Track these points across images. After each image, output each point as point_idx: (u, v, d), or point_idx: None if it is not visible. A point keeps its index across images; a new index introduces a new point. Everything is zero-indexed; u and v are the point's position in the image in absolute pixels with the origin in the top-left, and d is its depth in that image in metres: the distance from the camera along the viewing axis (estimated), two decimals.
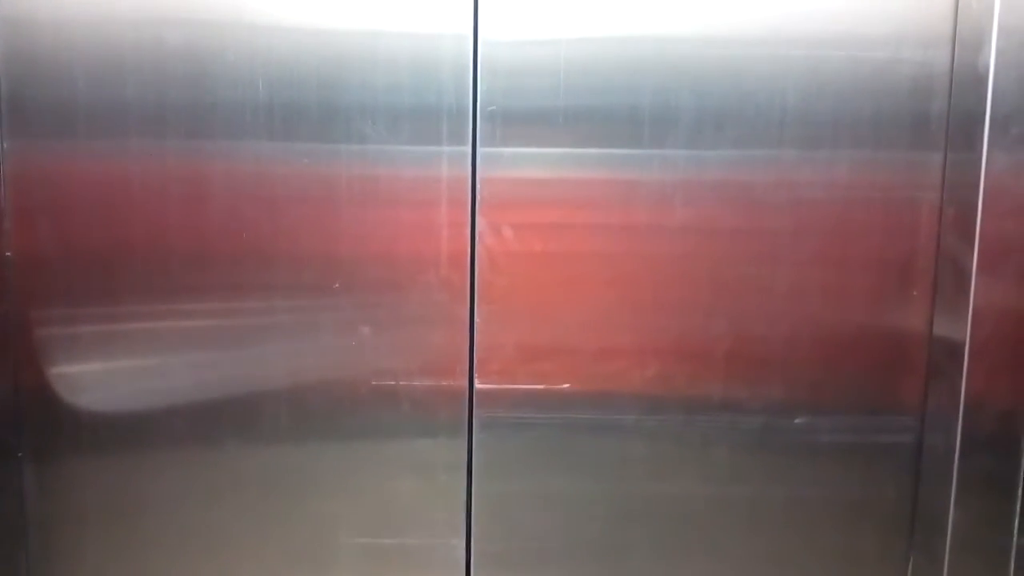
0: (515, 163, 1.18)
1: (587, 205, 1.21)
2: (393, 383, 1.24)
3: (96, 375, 1.25)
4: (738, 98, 1.17)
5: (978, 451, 1.20)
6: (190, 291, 1.22)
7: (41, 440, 1.26)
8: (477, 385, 1.23)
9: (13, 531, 1.27)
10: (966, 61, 1.14)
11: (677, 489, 1.27)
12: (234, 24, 1.15)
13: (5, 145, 1.18)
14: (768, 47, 1.16)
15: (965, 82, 1.14)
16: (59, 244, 1.21)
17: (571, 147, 1.18)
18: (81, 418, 1.25)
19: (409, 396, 1.24)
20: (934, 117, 1.17)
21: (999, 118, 1.11)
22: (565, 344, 1.23)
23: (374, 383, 1.24)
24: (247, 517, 1.28)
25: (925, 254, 1.21)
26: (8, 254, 1.20)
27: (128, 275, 1.21)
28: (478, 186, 1.18)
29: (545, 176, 1.19)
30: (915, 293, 1.22)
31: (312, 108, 1.16)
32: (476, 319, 1.22)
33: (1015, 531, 1.21)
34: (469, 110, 1.16)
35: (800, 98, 1.17)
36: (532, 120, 1.17)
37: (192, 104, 1.16)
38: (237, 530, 1.28)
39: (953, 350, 1.19)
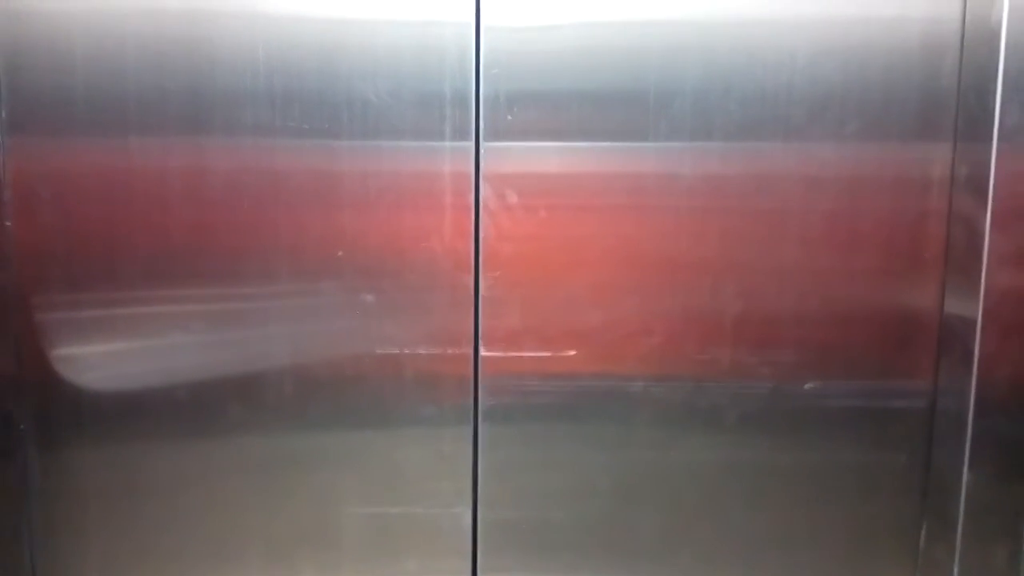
0: (520, 134, 1.17)
1: (591, 176, 1.19)
2: (398, 352, 1.23)
3: (99, 350, 1.24)
4: (745, 64, 1.15)
5: (991, 415, 1.18)
6: (195, 259, 1.21)
7: (45, 415, 1.25)
8: (482, 352, 1.22)
9: (16, 504, 1.27)
10: (978, 14, 1.12)
11: (685, 456, 1.26)
12: (234, 14, 1.14)
13: (5, 142, 1.17)
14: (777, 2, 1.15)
15: (977, 37, 1.12)
16: (60, 225, 1.20)
17: (574, 123, 1.17)
18: (84, 392, 1.25)
19: (414, 365, 1.23)
20: (945, 74, 1.15)
21: (1012, 72, 1.09)
22: (571, 310, 1.22)
23: (379, 352, 1.23)
24: (253, 490, 1.27)
25: (937, 216, 1.19)
26: (8, 224, 1.19)
27: (133, 242, 1.20)
28: (482, 154, 1.17)
29: (549, 145, 1.18)
30: (927, 255, 1.20)
31: (312, 74, 1.15)
32: (481, 286, 1.20)
33: None
34: (472, 86, 1.15)
35: (808, 61, 1.15)
36: (534, 97, 1.16)
37: (192, 89, 1.16)
38: (243, 504, 1.28)
39: (965, 318, 1.17)
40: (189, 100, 1.16)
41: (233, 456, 1.26)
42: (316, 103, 1.16)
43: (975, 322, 1.16)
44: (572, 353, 1.23)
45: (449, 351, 1.23)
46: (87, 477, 1.27)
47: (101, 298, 1.22)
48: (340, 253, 1.20)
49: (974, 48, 1.13)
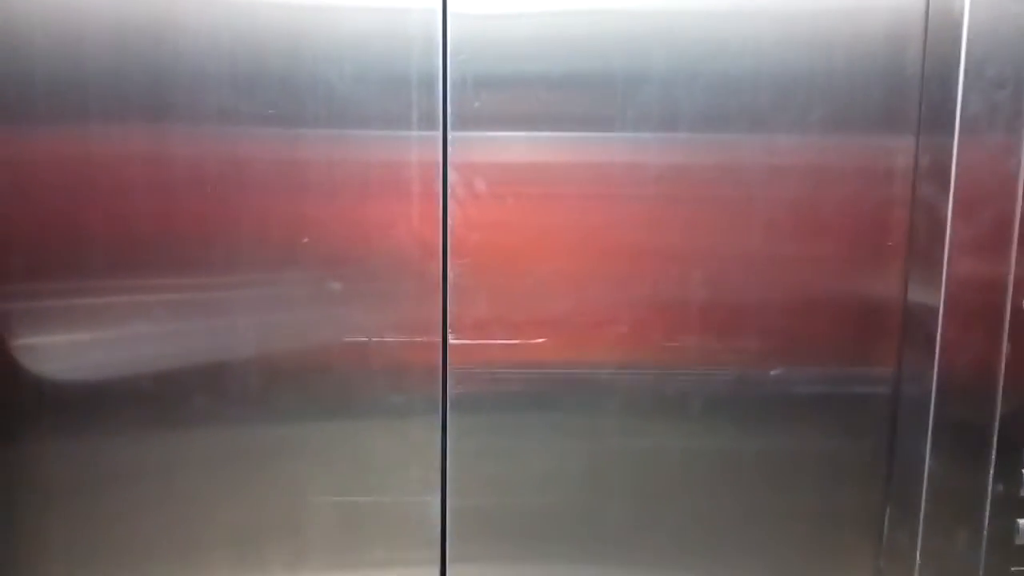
0: (488, 122, 1.17)
1: (559, 165, 1.19)
2: (365, 340, 1.22)
3: (60, 340, 1.22)
4: (711, 53, 1.16)
5: (952, 401, 1.20)
6: (158, 247, 1.19)
7: (3, 406, 1.23)
8: (451, 341, 1.22)
9: None
10: (941, 3, 1.13)
11: (653, 442, 1.27)
12: None
13: None
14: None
15: (940, 26, 1.13)
16: (19, 214, 1.18)
17: (541, 111, 1.17)
18: (45, 383, 1.22)
19: (382, 353, 1.22)
20: (909, 64, 1.16)
21: (974, 60, 1.10)
22: (540, 298, 1.22)
23: (346, 341, 1.22)
24: (219, 481, 1.26)
25: (900, 204, 1.20)
26: None
27: (93, 230, 1.19)
28: (449, 141, 1.17)
29: (517, 133, 1.18)
30: (890, 243, 1.22)
31: (278, 60, 1.14)
32: (449, 274, 1.20)
33: (990, 479, 1.22)
34: (439, 73, 1.15)
35: (773, 50, 1.16)
36: (502, 85, 1.16)
37: (155, 74, 1.14)
38: (209, 495, 1.27)
39: (928, 305, 1.19)
40: (151, 85, 1.14)
41: (199, 447, 1.25)
42: (281, 89, 1.15)
43: (937, 309, 1.17)
44: (541, 341, 1.23)
45: (417, 339, 1.22)
46: (48, 470, 1.25)
47: (62, 287, 1.20)
48: (306, 240, 1.19)
49: (937, 37, 1.14)
